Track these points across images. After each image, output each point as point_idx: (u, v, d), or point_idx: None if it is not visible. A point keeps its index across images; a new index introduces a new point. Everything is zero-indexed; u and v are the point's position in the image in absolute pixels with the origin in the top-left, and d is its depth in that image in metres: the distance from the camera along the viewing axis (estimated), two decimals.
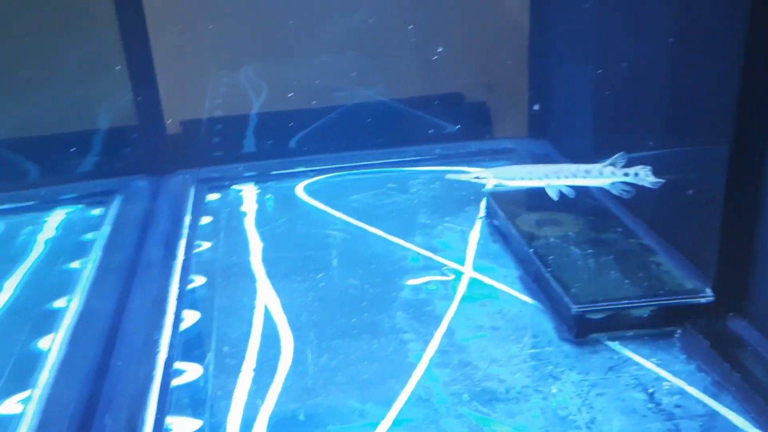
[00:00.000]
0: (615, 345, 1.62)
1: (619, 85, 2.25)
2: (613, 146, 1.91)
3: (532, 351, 1.60)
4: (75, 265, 1.96)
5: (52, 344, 1.52)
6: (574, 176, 1.91)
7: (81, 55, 2.60)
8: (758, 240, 1.56)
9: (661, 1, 1.93)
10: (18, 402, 1.32)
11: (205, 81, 2.95)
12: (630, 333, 1.65)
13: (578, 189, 2.12)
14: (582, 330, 1.63)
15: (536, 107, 2.84)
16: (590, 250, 1.87)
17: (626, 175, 1.83)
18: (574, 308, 1.63)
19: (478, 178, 2.04)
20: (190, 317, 1.76)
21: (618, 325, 1.65)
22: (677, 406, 1.42)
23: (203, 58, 2.88)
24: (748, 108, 1.51)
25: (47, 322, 1.63)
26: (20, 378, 1.44)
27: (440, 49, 2.93)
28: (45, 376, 1.41)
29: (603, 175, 1.86)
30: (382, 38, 2.93)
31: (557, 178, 1.92)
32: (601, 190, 2.16)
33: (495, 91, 3.10)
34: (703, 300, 1.65)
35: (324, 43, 2.91)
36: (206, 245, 2.17)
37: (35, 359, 1.48)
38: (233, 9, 2.86)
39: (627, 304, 1.65)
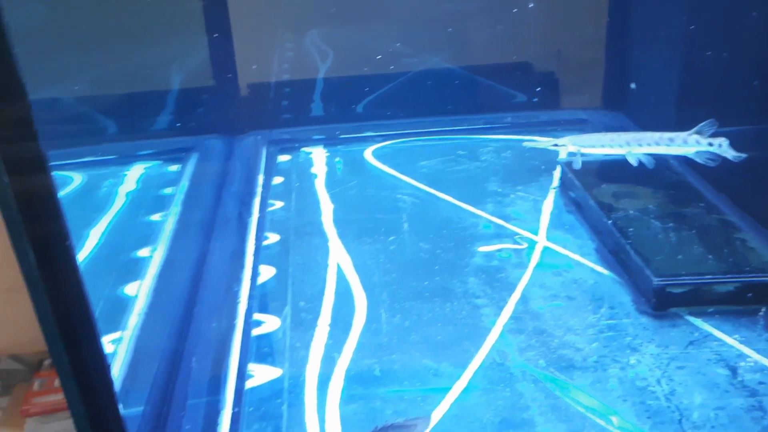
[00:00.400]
0: (695, 320, 1.58)
1: (706, 58, 2.16)
2: (696, 120, 1.84)
3: (609, 322, 1.58)
4: (156, 217, 2.02)
5: (139, 290, 1.58)
6: (657, 144, 1.85)
7: (160, 13, 2.64)
8: None
9: None
10: (110, 342, 1.38)
11: (277, 44, 2.97)
12: (711, 309, 1.60)
13: (658, 161, 2.07)
14: (662, 303, 1.60)
15: (633, 85, 2.74)
16: (671, 224, 1.82)
17: (710, 145, 1.77)
18: (656, 280, 1.59)
19: (555, 145, 2.00)
20: (267, 272, 1.80)
21: (700, 300, 1.60)
22: (761, 383, 1.38)
23: (275, 21, 2.90)
24: None
25: (133, 269, 1.69)
26: (110, 320, 1.50)
27: (515, 10, 2.86)
28: (134, 319, 1.46)
29: (687, 144, 1.80)
30: (451, 3, 2.89)
31: (638, 146, 1.86)
32: (682, 162, 2.10)
33: (570, 60, 3.02)
34: None
35: (393, 8, 2.88)
36: (279, 204, 2.21)
37: (123, 303, 1.54)
38: None
39: (711, 279, 1.60)
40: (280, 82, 2.99)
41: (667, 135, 1.83)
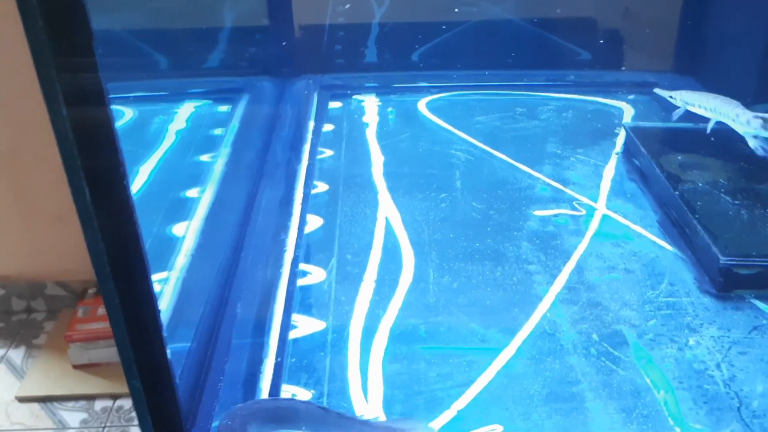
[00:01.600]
0: (762, 305, 1.49)
1: None
2: None
3: (669, 299, 1.50)
4: (205, 158, 1.99)
5: (187, 231, 1.56)
6: (726, 116, 1.74)
7: None
8: None
9: None
10: (156, 281, 1.37)
11: None
12: None
13: (730, 133, 1.95)
14: (727, 284, 1.51)
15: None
16: (743, 201, 1.71)
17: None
18: (723, 259, 1.50)
19: (672, 98, 1.90)
20: (314, 222, 1.76)
21: None
22: None
23: None
24: None
25: (181, 209, 1.67)
26: (157, 259, 1.49)
27: None
28: (181, 260, 1.45)
29: (749, 125, 1.68)
30: None
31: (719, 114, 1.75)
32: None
33: (639, 20, 2.84)
34: None
35: None
36: (329, 153, 2.16)
37: (172, 243, 1.53)
38: None
39: None
40: (334, 25, 2.90)
41: (735, 110, 1.72)
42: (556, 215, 1.80)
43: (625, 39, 2.90)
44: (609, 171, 2.03)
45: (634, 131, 2.07)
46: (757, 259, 1.51)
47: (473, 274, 1.58)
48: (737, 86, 2.33)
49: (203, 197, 1.71)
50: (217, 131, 2.18)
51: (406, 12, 2.86)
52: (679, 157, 1.94)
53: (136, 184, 1.80)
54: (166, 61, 2.68)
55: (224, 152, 1.97)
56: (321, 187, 1.94)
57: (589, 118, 2.38)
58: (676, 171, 1.87)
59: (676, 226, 1.72)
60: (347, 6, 2.87)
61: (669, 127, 2.11)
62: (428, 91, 2.67)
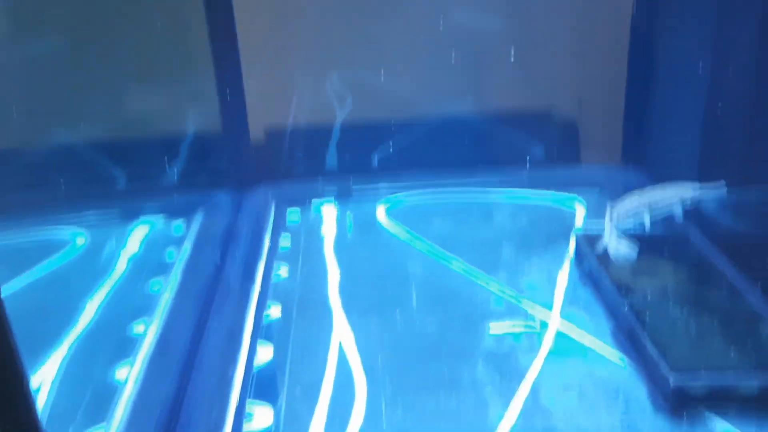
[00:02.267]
0: (717, 420, 1.47)
1: (733, 108, 2.06)
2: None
3: (624, 420, 1.48)
4: (155, 286, 1.97)
5: (129, 375, 1.52)
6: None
7: (169, 55, 2.53)
8: None
9: None
10: None
11: (289, 89, 2.91)
12: (733, 408, 1.49)
13: (681, 234, 1.99)
14: (680, 402, 1.49)
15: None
16: (692, 310, 1.72)
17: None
18: (672, 378, 1.49)
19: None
20: (265, 352, 1.73)
21: (721, 398, 1.50)
22: None
23: (287, 65, 2.83)
24: None
25: (125, 349, 1.63)
26: (96, 408, 1.44)
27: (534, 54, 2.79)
28: (121, 410, 1.40)
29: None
30: (470, 48, 2.80)
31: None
32: (704, 237, 2.02)
33: (587, 110, 2.93)
34: None
35: (411, 53, 2.81)
36: (284, 270, 2.15)
37: (112, 390, 1.48)
38: (322, 11, 2.78)
39: (733, 377, 1.49)
40: (294, 130, 2.93)
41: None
42: (511, 331, 1.79)
43: (578, 131, 2.98)
44: (563, 277, 2.04)
45: (584, 238, 2.09)
46: (706, 375, 1.50)
47: (428, 406, 1.54)
48: (683, 175, 2.39)
49: (149, 333, 1.67)
50: (170, 253, 2.17)
51: (366, 113, 2.91)
52: (630, 265, 1.95)
53: (82, 322, 1.77)
54: (121, 176, 2.67)
55: (174, 279, 1.94)
56: (274, 310, 1.92)
57: (542, 219, 2.42)
58: (626, 278, 1.88)
59: (628, 339, 1.71)
60: (306, 108, 2.92)
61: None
62: (386, 194, 2.70)
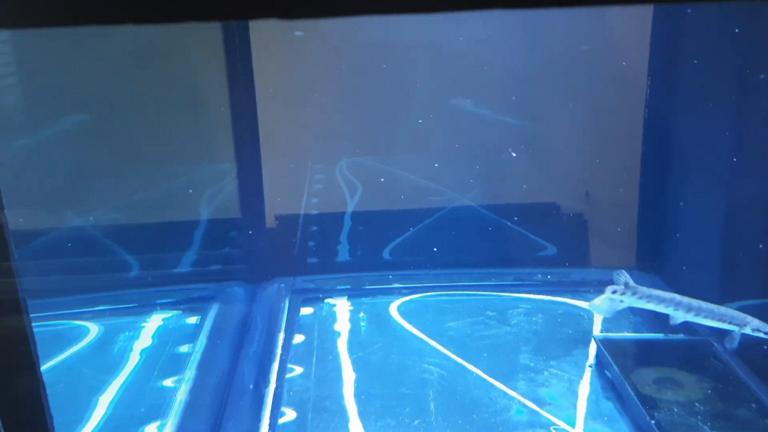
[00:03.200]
0: None
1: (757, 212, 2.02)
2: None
3: None
4: (168, 383, 1.92)
5: None
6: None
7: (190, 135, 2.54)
8: None
9: None
10: None
11: (303, 180, 2.93)
12: None
13: (698, 344, 1.96)
14: None
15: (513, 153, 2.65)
16: (722, 429, 1.67)
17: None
18: None
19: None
20: None
21: None
22: None
23: (301, 156, 2.86)
24: None
25: None
26: None
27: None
28: None
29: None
30: (478, 140, 2.84)
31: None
32: (725, 348, 1.99)
33: (600, 210, 2.94)
34: None
35: (418, 142, 2.85)
36: (299, 370, 2.10)
37: None
38: (339, 101, 2.81)
39: None
40: (307, 223, 2.94)
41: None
42: None
43: (589, 228, 2.98)
44: (584, 387, 2.00)
45: (604, 344, 2.07)
46: None
47: None
48: (702, 285, 2.34)
49: None
50: (184, 348, 2.13)
51: (379, 201, 2.93)
52: (652, 373, 1.92)
53: (93, 419, 1.72)
54: (135, 265, 2.65)
55: (188, 376, 1.90)
56: (289, 414, 1.86)
57: (559, 323, 2.40)
58: (650, 390, 1.84)
59: None
60: (317, 200, 2.94)
61: (639, 339, 2.12)
62: (399, 292, 2.68)
